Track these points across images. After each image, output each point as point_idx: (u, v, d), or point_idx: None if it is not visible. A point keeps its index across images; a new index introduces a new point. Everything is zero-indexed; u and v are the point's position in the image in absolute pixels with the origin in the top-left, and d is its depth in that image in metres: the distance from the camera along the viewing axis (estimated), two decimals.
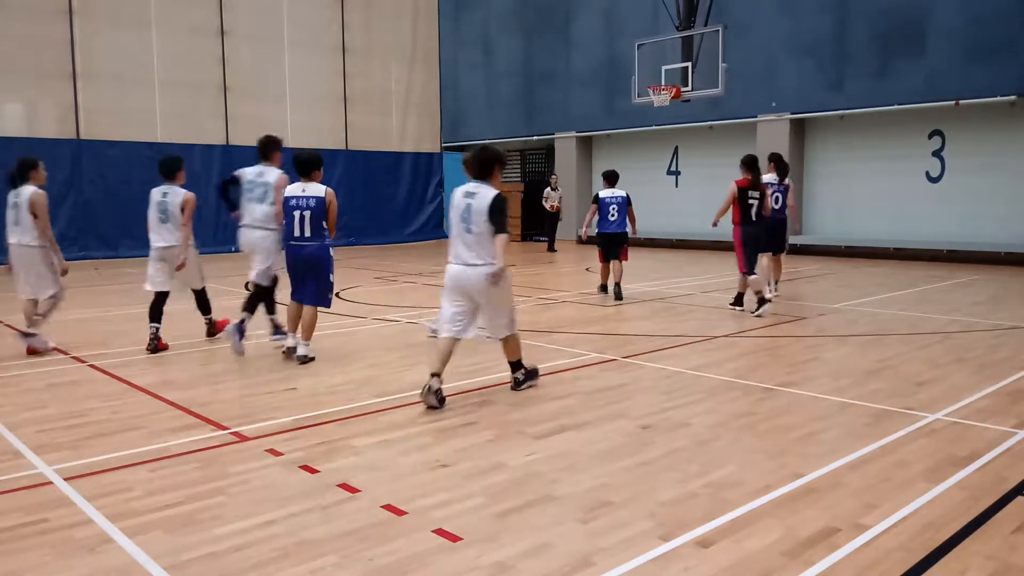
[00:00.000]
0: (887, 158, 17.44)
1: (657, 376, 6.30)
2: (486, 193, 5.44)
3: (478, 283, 5.41)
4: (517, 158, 25.88)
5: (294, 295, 7.00)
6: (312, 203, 6.71)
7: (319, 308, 6.98)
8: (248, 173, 7.49)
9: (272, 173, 7.43)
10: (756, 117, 18.88)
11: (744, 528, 3.35)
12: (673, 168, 21.55)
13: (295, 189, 6.84)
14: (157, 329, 7.42)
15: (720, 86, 16.66)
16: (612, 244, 11.05)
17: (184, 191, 7.72)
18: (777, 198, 10.56)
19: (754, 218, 9.47)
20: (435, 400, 5.27)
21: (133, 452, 4.41)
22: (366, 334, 8.38)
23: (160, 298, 7.56)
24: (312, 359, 6.88)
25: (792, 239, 18.49)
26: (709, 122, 19.93)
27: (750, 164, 9.58)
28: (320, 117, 21.37)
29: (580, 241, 20.68)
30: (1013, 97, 15.07)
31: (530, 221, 23.26)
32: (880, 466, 4.13)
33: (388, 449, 4.46)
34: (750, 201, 9.43)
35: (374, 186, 22.23)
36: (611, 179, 11.25)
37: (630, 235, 11.13)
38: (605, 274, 11.33)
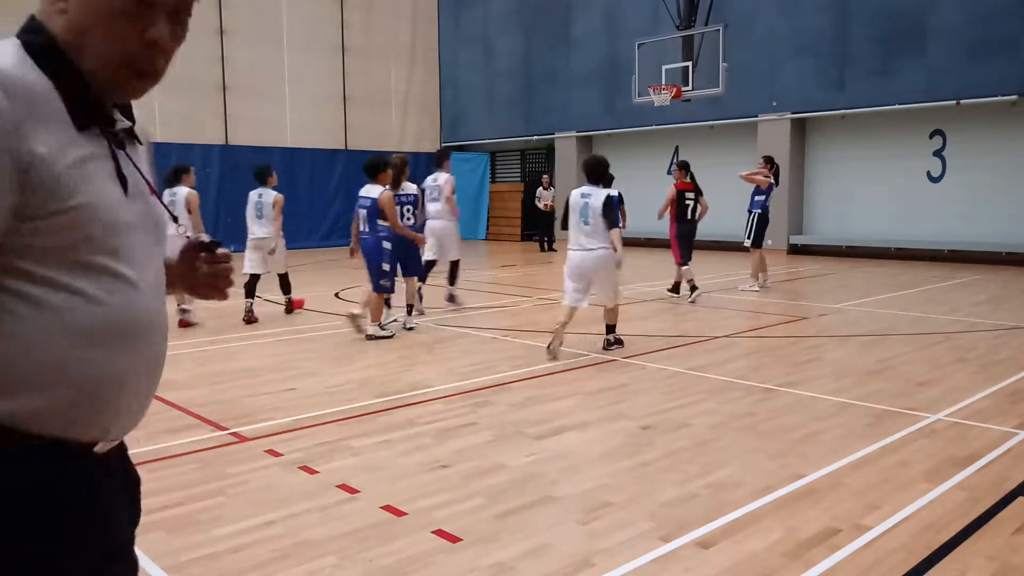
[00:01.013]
0: (888, 158, 17.43)
1: (657, 376, 6.29)
2: (599, 194, 6.93)
3: (593, 264, 6.93)
4: (517, 158, 25.87)
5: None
6: (367, 203, 7.80)
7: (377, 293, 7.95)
8: (428, 180, 10.06)
9: (442, 177, 10.44)
10: (757, 117, 18.86)
11: (744, 529, 3.34)
12: (674, 168, 21.53)
13: (362, 191, 8.02)
14: (251, 304, 9.05)
15: (721, 86, 16.64)
16: None
17: (275, 192, 9.28)
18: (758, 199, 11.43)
19: (689, 216, 10.71)
20: (555, 350, 6.86)
21: (132, 452, 4.38)
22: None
23: (254, 279, 9.16)
24: (380, 336, 7.87)
25: (793, 239, 18.55)
26: (710, 122, 19.91)
27: (686, 167, 11.10)
28: (319, 116, 21.36)
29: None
30: (1014, 97, 15.05)
31: (530, 221, 23.25)
32: (881, 467, 4.12)
33: (387, 450, 4.45)
34: (687, 202, 10.69)
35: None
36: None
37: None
38: None
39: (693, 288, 10.36)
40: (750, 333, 8.18)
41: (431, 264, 9.82)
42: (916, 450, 4.39)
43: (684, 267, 10.49)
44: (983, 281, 12.80)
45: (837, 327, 8.52)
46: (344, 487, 3.85)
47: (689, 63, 17.46)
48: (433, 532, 3.32)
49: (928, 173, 16.86)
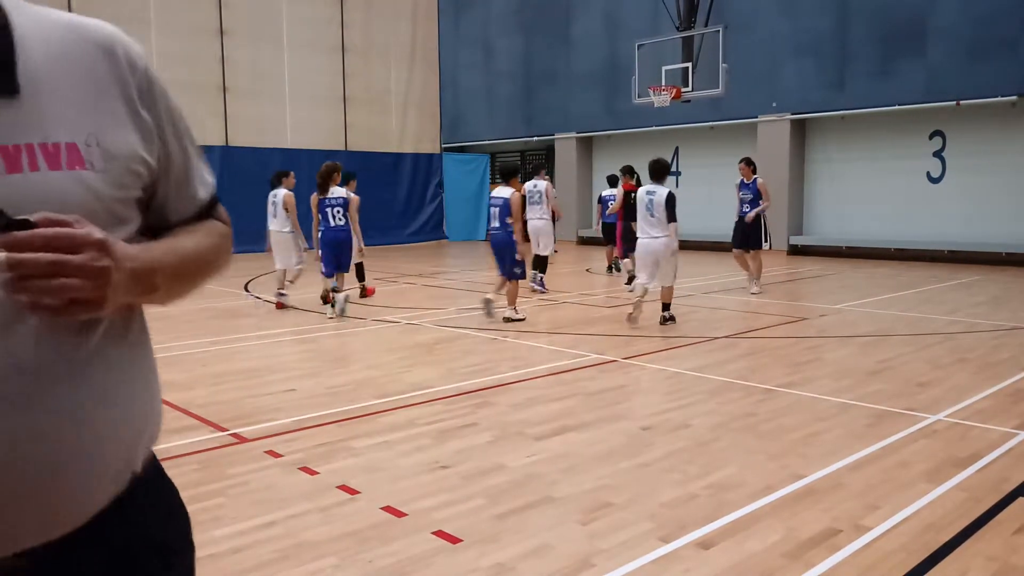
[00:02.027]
0: (888, 158, 17.43)
1: (658, 377, 6.30)
2: (662, 191, 8.43)
3: (657, 249, 8.38)
4: (517, 159, 25.88)
5: (499, 270, 9.20)
6: (500, 203, 8.96)
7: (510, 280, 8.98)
8: (528, 185, 11.33)
9: (541, 184, 11.89)
10: (757, 117, 18.87)
11: (745, 529, 3.34)
12: (674, 168, 21.53)
13: (495, 191, 9.23)
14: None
15: (720, 86, 16.64)
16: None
17: (352, 194, 10.35)
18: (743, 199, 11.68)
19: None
20: (636, 319, 8.43)
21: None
22: (366, 335, 8.37)
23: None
24: (515, 319, 8.85)
25: (793, 239, 18.55)
26: (710, 122, 19.91)
27: (630, 171, 12.39)
28: (320, 117, 21.35)
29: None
30: (1014, 97, 15.06)
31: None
32: (881, 467, 4.12)
33: (388, 450, 4.45)
34: (632, 201, 11.41)
35: (373, 187, 22.18)
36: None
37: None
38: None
39: (631, 279, 11.50)
40: (750, 334, 8.18)
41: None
42: (916, 450, 4.39)
43: (625, 259, 12.07)
44: (983, 282, 12.80)
45: (837, 328, 8.52)
46: (344, 488, 3.85)
47: (689, 64, 17.46)
48: (433, 533, 3.32)
49: (928, 174, 16.87)
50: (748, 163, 11.68)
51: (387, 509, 3.58)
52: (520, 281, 9.17)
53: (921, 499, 3.65)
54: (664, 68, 17.76)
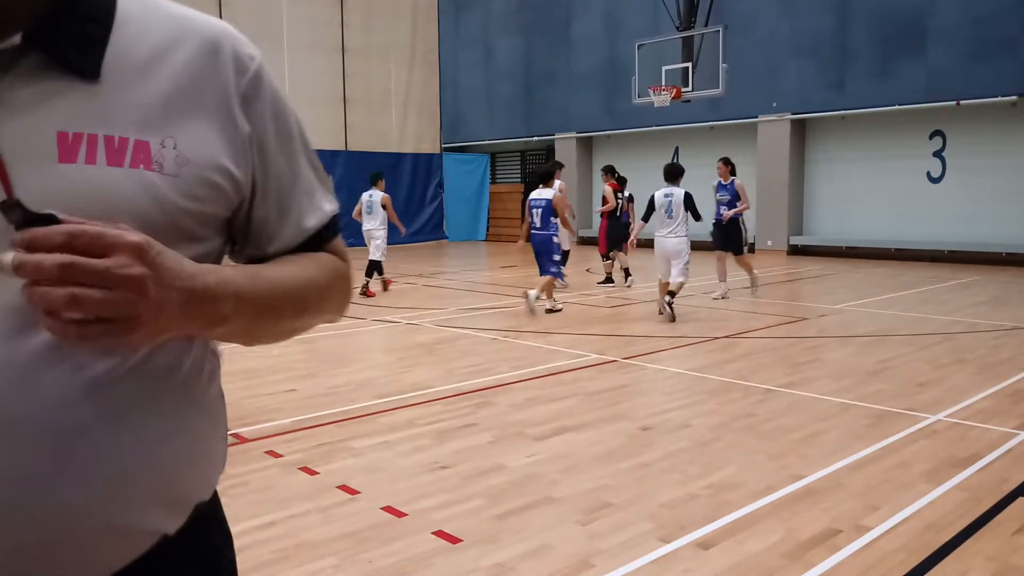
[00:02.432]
0: (888, 158, 17.43)
1: (658, 377, 6.29)
2: (679, 192, 9.22)
3: (671, 247, 9.11)
4: (517, 159, 25.88)
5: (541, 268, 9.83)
6: (542, 204, 9.45)
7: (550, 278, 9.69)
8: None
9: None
10: (757, 117, 18.87)
11: (745, 530, 3.34)
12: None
13: (535, 193, 9.71)
14: (368, 282, 11.39)
15: (721, 86, 16.64)
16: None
17: (383, 193, 11.62)
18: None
19: (618, 214, 12.24)
20: (667, 313, 8.86)
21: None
22: (366, 335, 8.37)
23: (373, 263, 11.49)
24: (555, 310, 9.58)
25: (793, 239, 18.55)
26: (710, 122, 19.91)
27: (611, 171, 12.63)
28: (319, 117, 21.34)
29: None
30: (1014, 97, 15.06)
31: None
32: (881, 467, 4.12)
33: (388, 451, 4.45)
34: (619, 200, 12.21)
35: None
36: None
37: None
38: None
39: (608, 280, 12.40)
40: (750, 334, 8.18)
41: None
42: (916, 451, 4.38)
43: (607, 261, 12.41)
44: (983, 282, 12.80)
45: (837, 328, 8.52)
46: (344, 488, 3.85)
47: (689, 64, 17.46)
48: (433, 533, 3.32)
49: (928, 174, 16.87)
50: (726, 163, 11.59)
51: (387, 509, 3.58)
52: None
53: (921, 499, 3.65)
54: (664, 68, 17.76)
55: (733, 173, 11.58)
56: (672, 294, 9.04)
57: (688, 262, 9.19)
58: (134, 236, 0.78)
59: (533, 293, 9.41)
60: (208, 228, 0.98)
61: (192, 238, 0.95)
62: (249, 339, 1.01)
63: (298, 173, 1.08)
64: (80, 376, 0.86)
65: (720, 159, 11.71)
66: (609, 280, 12.40)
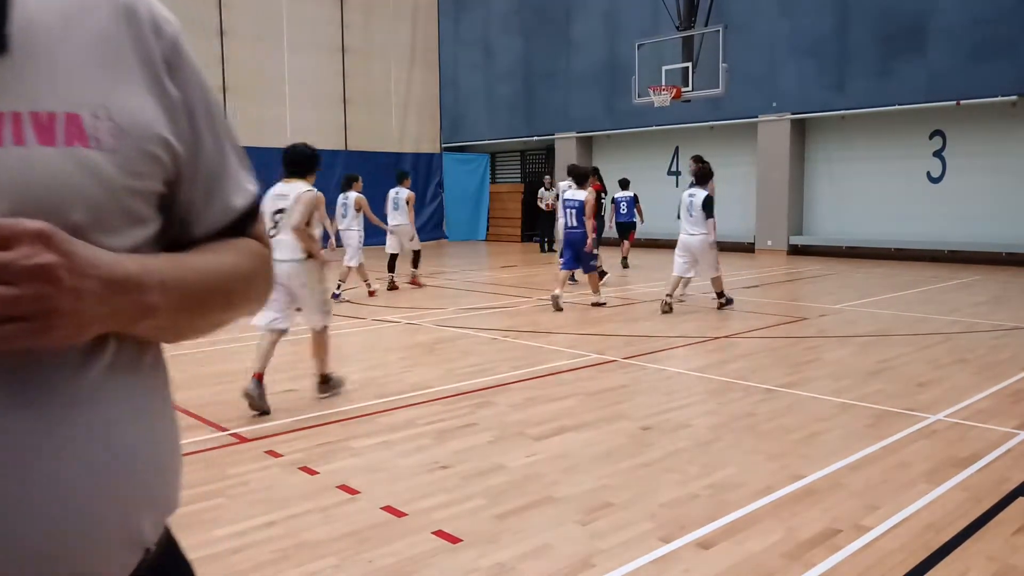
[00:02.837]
0: (888, 158, 17.43)
1: (657, 377, 6.29)
2: (700, 194, 9.54)
3: (694, 244, 9.52)
4: (517, 159, 25.88)
5: (564, 264, 10.28)
6: (576, 204, 9.94)
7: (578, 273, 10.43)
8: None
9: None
10: (757, 117, 18.86)
11: (745, 529, 3.34)
12: (674, 168, 21.54)
13: (568, 193, 10.21)
14: (392, 277, 12.26)
15: (721, 86, 16.63)
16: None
17: (408, 191, 12.26)
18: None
19: (600, 213, 12.62)
20: (670, 304, 9.49)
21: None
22: (366, 335, 8.37)
23: (393, 258, 12.32)
24: (600, 303, 10.11)
25: (793, 239, 18.55)
26: (710, 122, 19.91)
27: (596, 172, 13.00)
28: (320, 118, 21.35)
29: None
30: (1014, 97, 15.05)
31: (530, 221, 23.26)
32: (881, 467, 4.12)
33: (388, 450, 4.45)
34: (602, 201, 12.58)
35: (373, 187, 22.11)
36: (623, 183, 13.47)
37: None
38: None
39: (602, 274, 12.39)
40: (750, 334, 8.18)
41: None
42: (916, 451, 4.38)
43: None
44: (983, 282, 12.79)
45: (837, 328, 8.52)
46: (344, 488, 3.85)
47: (689, 64, 17.45)
48: (433, 533, 3.32)
49: (928, 174, 16.86)
50: (699, 162, 11.43)
51: (387, 509, 3.58)
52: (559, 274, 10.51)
53: (921, 499, 3.65)
54: (664, 68, 17.75)
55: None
56: (720, 293, 9.77)
57: (716, 256, 9.70)
58: (34, 223, 0.71)
59: (558, 291, 9.89)
60: (152, 207, 0.90)
61: (140, 220, 0.88)
62: (175, 334, 0.93)
63: (223, 149, 1.01)
64: (23, 372, 0.78)
65: (692, 157, 11.82)
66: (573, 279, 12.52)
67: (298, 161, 5.96)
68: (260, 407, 5.19)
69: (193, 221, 0.98)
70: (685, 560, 3.06)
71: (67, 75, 0.84)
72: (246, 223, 1.04)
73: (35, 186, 0.77)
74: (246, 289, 1.01)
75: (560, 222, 10.93)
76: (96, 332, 0.79)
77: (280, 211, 5.64)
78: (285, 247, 5.46)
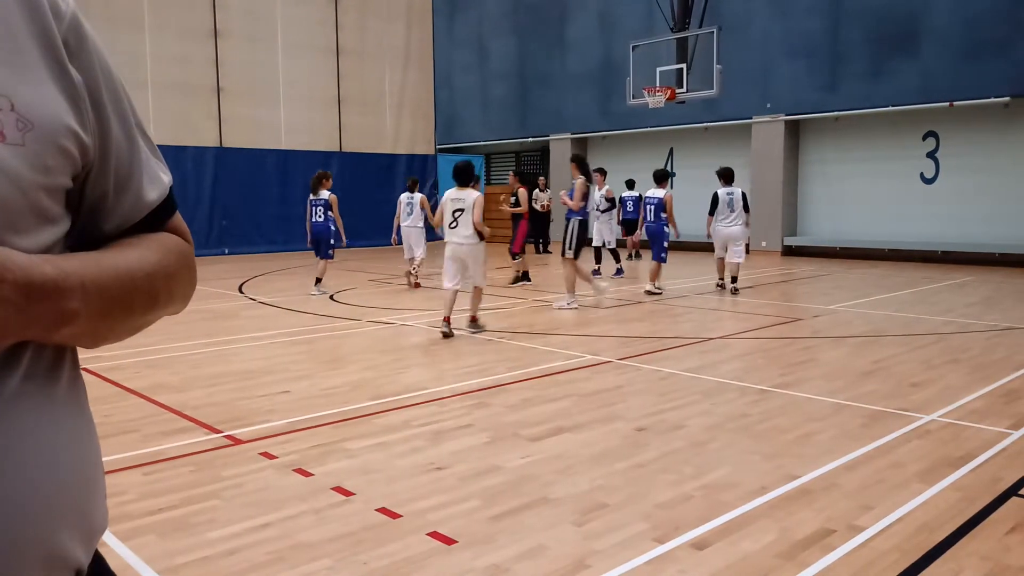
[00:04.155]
0: (881, 159, 17.49)
1: (652, 378, 6.30)
2: (737, 191, 11.45)
3: (732, 233, 11.34)
4: (511, 160, 25.88)
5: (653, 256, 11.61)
6: (655, 201, 11.46)
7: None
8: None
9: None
10: (751, 118, 18.91)
11: (739, 530, 3.34)
12: (668, 169, 21.58)
13: (650, 191, 11.71)
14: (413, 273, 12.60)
15: (715, 87, 16.68)
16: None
17: (421, 194, 12.69)
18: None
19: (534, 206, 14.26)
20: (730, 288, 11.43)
21: (126, 456, 4.39)
22: (360, 336, 8.36)
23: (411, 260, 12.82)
24: (655, 292, 11.36)
25: (787, 240, 18.60)
26: (704, 123, 19.96)
27: (522, 174, 13.86)
28: (314, 119, 21.34)
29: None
30: (1007, 98, 15.12)
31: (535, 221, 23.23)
32: (875, 467, 4.13)
33: (383, 452, 4.45)
34: (530, 203, 13.28)
35: (368, 188, 22.21)
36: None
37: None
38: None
39: (525, 277, 13.08)
40: (745, 335, 8.19)
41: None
42: (910, 451, 4.40)
43: (516, 260, 13.12)
44: (976, 282, 12.84)
45: (831, 328, 8.54)
46: (339, 489, 3.85)
47: (683, 65, 17.50)
48: (428, 534, 3.32)
49: (921, 174, 16.92)
50: (601, 173, 13.26)
51: (382, 511, 3.57)
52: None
53: (915, 499, 3.66)
54: (658, 69, 17.79)
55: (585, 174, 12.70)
56: (735, 279, 11.46)
57: (747, 244, 11.52)
58: None
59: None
60: (61, 205, 0.84)
61: (50, 219, 0.81)
62: (94, 340, 0.86)
63: (133, 137, 0.93)
64: None
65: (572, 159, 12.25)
66: (526, 278, 12.92)
67: (468, 173, 8.20)
68: (449, 335, 8.02)
69: (103, 216, 0.91)
70: (680, 560, 3.07)
71: None
72: (161, 216, 0.97)
73: None
74: (170, 289, 0.94)
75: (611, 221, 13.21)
76: (11, 342, 0.73)
77: (459, 210, 8.06)
78: (463, 233, 8.01)
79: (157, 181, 0.96)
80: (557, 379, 6.26)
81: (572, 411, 5.28)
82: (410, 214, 12.62)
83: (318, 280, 11.47)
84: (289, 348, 7.65)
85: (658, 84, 17.57)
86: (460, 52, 25.73)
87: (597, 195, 13.91)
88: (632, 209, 15.54)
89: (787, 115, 18.35)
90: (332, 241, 11.43)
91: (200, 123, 19.29)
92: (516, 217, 13.60)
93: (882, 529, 3.33)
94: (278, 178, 20.50)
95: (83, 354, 6.32)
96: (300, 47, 20.96)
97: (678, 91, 17.35)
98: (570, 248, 10.03)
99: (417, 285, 12.42)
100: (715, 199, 11.57)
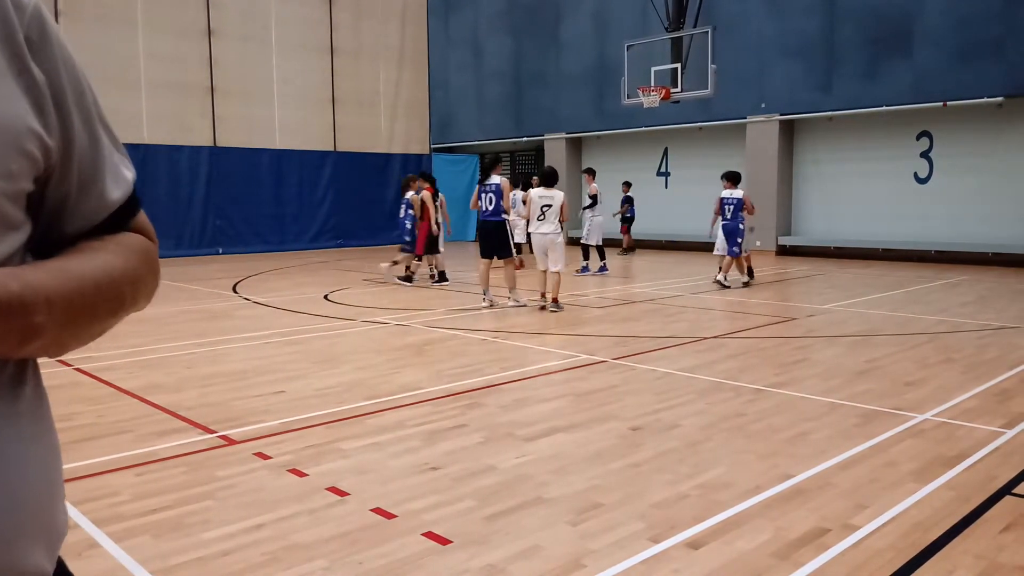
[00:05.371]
0: (876, 159, 17.53)
1: (648, 377, 6.30)
2: (738, 193, 12.21)
3: (729, 229, 12.05)
4: (506, 159, 25.87)
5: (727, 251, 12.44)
6: (734, 201, 12.25)
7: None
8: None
9: (737, 192, 13.40)
10: (745, 118, 18.94)
11: (734, 529, 3.35)
12: (663, 169, 21.60)
13: (726, 192, 12.36)
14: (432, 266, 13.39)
15: (709, 87, 16.70)
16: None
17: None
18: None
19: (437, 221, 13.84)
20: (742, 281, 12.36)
21: (120, 456, 4.37)
22: (355, 336, 8.34)
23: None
24: (725, 285, 12.17)
25: (781, 240, 18.64)
26: (698, 123, 19.98)
27: (428, 177, 13.52)
28: (308, 118, 21.29)
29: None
30: (1000, 98, 15.17)
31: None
32: (869, 466, 4.13)
33: (377, 452, 4.44)
34: (435, 205, 13.25)
35: (363, 187, 22.19)
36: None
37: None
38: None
39: (410, 274, 13.26)
40: (739, 334, 8.21)
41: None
42: (904, 450, 4.41)
43: (419, 260, 13.27)
44: (970, 282, 12.88)
45: (825, 328, 8.56)
46: (334, 490, 3.84)
47: (678, 65, 17.52)
48: (423, 534, 3.31)
49: (915, 174, 16.97)
50: (590, 173, 14.40)
51: (377, 511, 3.57)
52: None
53: (909, 498, 3.67)
54: (653, 69, 17.81)
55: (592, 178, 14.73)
56: (750, 272, 12.61)
57: (740, 242, 12.22)
58: None
59: (733, 277, 12.33)
60: (23, 210, 0.81)
61: (12, 226, 0.78)
62: (59, 349, 0.82)
63: (96, 135, 0.90)
64: None
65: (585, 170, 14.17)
66: (408, 279, 13.08)
67: (553, 176, 10.22)
68: (545, 307, 9.81)
69: (65, 218, 0.88)
70: (675, 560, 3.07)
71: None
72: (125, 215, 0.93)
73: None
74: (135, 291, 0.91)
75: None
76: None
77: (547, 206, 9.86)
78: (549, 226, 9.87)
79: (120, 179, 0.92)
80: (552, 379, 6.26)
81: (567, 411, 5.28)
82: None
83: (405, 270, 13.16)
84: (283, 348, 7.64)
85: (653, 84, 17.58)
86: (455, 52, 25.71)
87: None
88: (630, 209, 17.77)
89: (781, 115, 18.38)
90: (407, 238, 13.16)
91: (194, 122, 19.23)
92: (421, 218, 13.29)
93: (876, 528, 3.34)
94: (272, 178, 20.46)
95: (76, 354, 6.27)
96: (294, 46, 20.91)
97: (673, 91, 17.37)
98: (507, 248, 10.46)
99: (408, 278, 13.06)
100: (720, 202, 12.39)
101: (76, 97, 0.86)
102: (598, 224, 14.47)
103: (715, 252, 12.76)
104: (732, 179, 12.47)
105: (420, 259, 13.29)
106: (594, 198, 14.55)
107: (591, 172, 14.95)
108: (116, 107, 17.83)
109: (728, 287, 11.97)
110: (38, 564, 0.84)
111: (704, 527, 3.37)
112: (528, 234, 10.72)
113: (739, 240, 12.20)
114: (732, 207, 12.28)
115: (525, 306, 10.13)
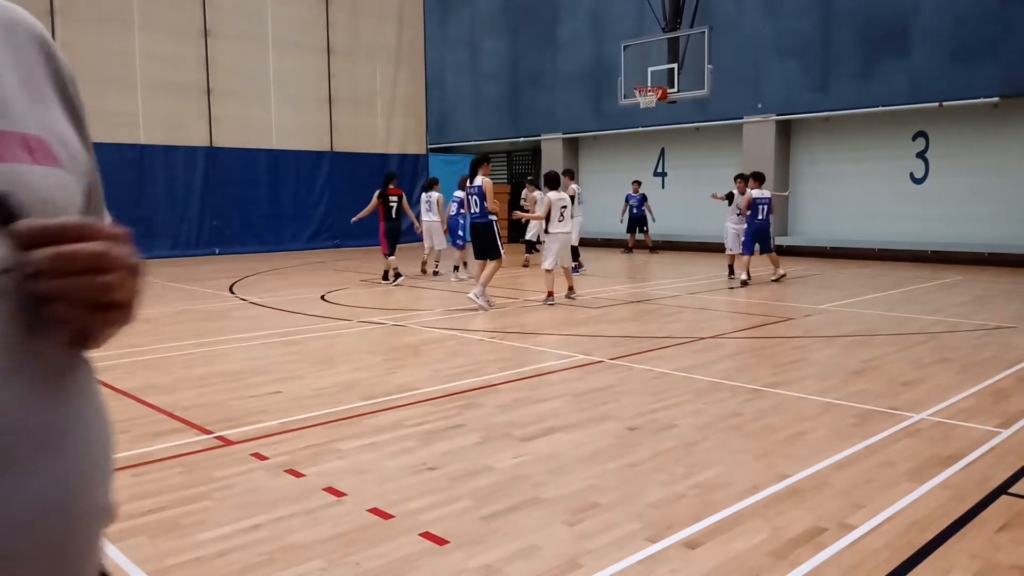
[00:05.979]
0: (872, 159, 17.56)
1: (644, 378, 6.31)
2: (767, 193, 12.61)
3: (763, 228, 12.46)
4: (503, 160, 25.87)
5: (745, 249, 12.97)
6: (766, 200, 12.71)
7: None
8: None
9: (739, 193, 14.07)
10: (742, 119, 18.95)
11: (731, 529, 3.35)
12: (660, 169, 21.61)
13: (756, 192, 12.76)
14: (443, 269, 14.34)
15: (706, 87, 16.72)
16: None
17: (439, 194, 14.32)
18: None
19: (393, 216, 13.52)
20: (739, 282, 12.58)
21: (116, 457, 4.36)
22: (352, 337, 8.34)
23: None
24: (777, 278, 12.97)
25: (778, 240, 18.64)
26: (695, 123, 19.99)
27: (393, 177, 13.76)
28: (305, 118, 21.27)
29: None
30: (996, 99, 15.20)
31: (516, 222, 23.22)
32: (865, 466, 4.14)
33: (374, 452, 4.44)
34: (390, 204, 13.34)
35: (359, 188, 22.11)
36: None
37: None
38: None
39: (397, 275, 13.10)
40: (736, 334, 8.22)
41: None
42: (900, 449, 4.42)
43: (391, 256, 13.14)
44: (966, 282, 12.91)
45: (822, 328, 8.57)
46: (331, 490, 3.84)
47: (675, 65, 17.53)
48: (420, 535, 3.31)
49: (911, 174, 17.00)
50: (568, 175, 14.19)
51: (374, 511, 3.57)
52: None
53: (905, 498, 3.68)
54: (650, 69, 17.82)
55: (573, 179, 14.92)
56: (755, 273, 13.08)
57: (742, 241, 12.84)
58: (113, 228, 0.78)
59: (781, 271, 12.96)
60: None
61: None
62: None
63: (95, 165, 0.98)
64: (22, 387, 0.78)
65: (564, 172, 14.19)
66: (398, 275, 13.06)
67: (559, 180, 11.19)
68: (554, 303, 10.34)
69: None
70: (672, 560, 3.07)
71: (20, 101, 0.85)
72: None
73: (32, 205, 0.78)
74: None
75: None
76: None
77: (564, 207, 10.71)
78: (567, 224, 10.74)
79: (106, 212, 1.03)
80: (549, 379, 6.26)
81: (564, 411, 5.29)
82: (429, 210, 14.08)
83: (456, 268, 13.97)
84: (280, 348, 7.63)
85: (649, 84, 17.59)
86: (452, 52, 25.70)
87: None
88: (636, 208, 18.67)
89: (778, 115, 18.40)
90: (460, 233, 13.77)
91: (190, 123, 19.20)
92: (388, 219, 13.38)
93: (873, 528, 3.35)
94: (269, 178, 20.44)
95: None
96: (291, 46, 20.88)
97: (669, 91, 17.38)
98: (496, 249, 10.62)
99: (436, 273, 14.05)
100: (752, 203, 12.69)
101: (87, 129, 0.97)
102: (577, 224, 14.64)
103: (729, 251, 13.37)
104: (759, 179, 12.85)
105: (392, 256, 13.30)
106: (572, 199, 14.62)
107: (570, 173, 15.19)
108: (112, 107, 17.78)
109: (748, 283, 12.40)
110: (112, 502, 0.97)
111: (701, 527, 3.37)
112: (541, 233, 11.68)
113: (768, 240, 12.82)
114: (765, 207, 12.70)
115: (486, 310, 9.84)
